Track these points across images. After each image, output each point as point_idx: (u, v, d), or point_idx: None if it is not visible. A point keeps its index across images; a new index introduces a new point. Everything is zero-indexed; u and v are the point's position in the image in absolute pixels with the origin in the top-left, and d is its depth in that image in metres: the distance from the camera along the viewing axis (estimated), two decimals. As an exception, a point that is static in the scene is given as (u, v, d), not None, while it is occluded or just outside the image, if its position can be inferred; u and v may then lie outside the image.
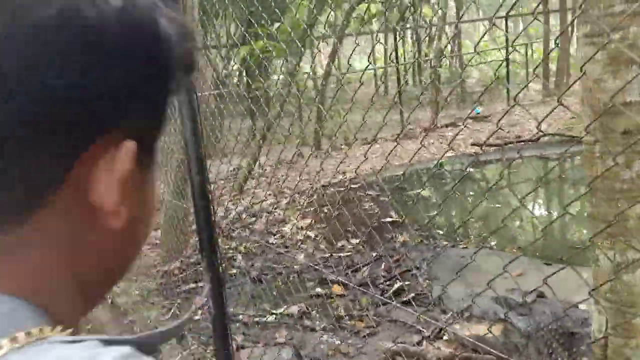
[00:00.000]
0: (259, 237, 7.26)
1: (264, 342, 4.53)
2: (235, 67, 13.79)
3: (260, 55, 5.38)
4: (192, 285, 5.85)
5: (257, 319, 5.07)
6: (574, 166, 9.00)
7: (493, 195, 7.99)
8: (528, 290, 3.83)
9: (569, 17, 15.11)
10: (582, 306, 3.60)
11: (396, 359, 3.99)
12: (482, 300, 3.67)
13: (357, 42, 3.33)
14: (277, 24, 9.08)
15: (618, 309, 1.69)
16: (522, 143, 9.65)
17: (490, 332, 3.76)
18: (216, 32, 15.50)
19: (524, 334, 3.56)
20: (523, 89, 4.96)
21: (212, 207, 2.71)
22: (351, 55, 3.54)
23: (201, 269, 5.38)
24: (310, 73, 15.75)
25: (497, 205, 7.54)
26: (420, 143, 4.29)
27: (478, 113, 14.10)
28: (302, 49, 9.26)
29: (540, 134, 9.06)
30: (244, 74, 13.17)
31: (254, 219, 8.28)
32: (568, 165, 9.49)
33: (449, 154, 10.27)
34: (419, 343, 4.09)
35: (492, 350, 3.87)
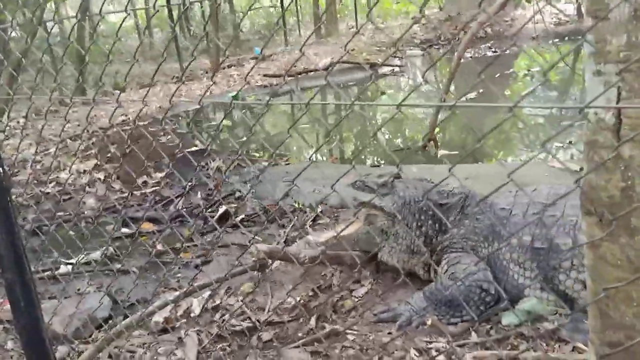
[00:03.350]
0: (25, 189, 5.72)
1: (64, 295, 3.39)
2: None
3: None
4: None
5: (46, 274, 3.84)
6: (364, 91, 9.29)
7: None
8: (383, 173, 3.48)
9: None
10: (451, 183, 3.38)
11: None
12: (337, 189, 3.17)
13: None
14: None
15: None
16: (313, 72, 9.56)
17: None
18: None
19: (389, 212, 3.19)
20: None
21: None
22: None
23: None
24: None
25: (307, 125, 7.31)
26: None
27: (259, 53, 13.76)
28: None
29: (330, 63, 9.05)
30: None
31: (16, 170, 6.56)
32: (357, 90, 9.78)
33: (240, 87, 9.70)
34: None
35: (352, 251, 3.47)
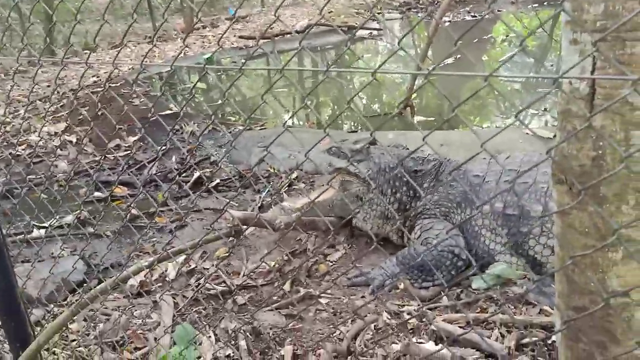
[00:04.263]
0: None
1: (37, 259, 3.35)
2: None
3: None
4: None
5: (18, 237, 3.78)
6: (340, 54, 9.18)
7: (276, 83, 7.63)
8: (359, 139, 3.49)
9: None
10: (426, 150, 3.39)
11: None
12: (312, 155, 3.17)
13: None
14: None
15: (616, 37, 1.26)
16: (289, 35, 9.39)
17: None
18: None
19: (364, 179, 3.21)
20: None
21: None
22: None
23: None
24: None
25: (284, 90, 7.22)
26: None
27: (233, 14, 13.44)
28: None
29: (307, 25, 8.89)
30: None
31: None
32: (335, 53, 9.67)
33: (214, 49, 9.49)
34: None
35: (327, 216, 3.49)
